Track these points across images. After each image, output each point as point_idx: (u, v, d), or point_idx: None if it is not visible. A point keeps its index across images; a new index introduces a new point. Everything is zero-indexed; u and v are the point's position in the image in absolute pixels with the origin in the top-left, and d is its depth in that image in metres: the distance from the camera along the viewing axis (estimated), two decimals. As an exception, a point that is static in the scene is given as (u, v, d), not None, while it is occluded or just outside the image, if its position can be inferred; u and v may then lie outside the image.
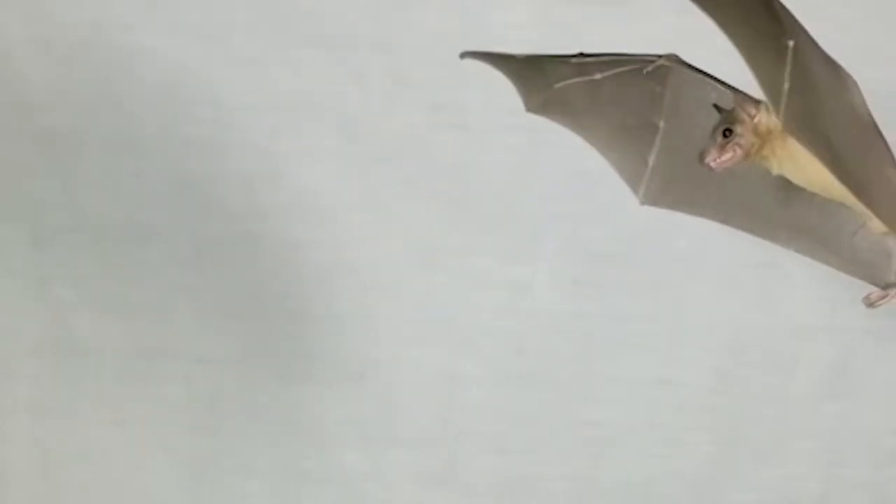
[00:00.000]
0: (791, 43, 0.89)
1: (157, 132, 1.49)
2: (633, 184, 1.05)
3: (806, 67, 0.90)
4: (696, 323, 1.49)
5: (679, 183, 1.04)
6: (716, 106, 0.98)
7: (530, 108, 1.05)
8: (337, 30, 1.47)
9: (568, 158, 1.48)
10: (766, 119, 0.95)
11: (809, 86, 0.90)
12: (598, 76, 1.02)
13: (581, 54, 1.02)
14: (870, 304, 0.99)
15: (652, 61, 1.01)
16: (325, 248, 1.50)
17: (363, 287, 1.50)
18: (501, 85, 1.49)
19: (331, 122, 1.48)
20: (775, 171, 0.97)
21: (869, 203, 0.94)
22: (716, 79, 1.02)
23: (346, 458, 1.52)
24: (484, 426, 1.51)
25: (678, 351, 1.49)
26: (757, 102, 0.96)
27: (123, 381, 1.51)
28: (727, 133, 0.96)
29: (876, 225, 0.98)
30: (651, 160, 1.04)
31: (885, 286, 0.98)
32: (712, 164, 0.96)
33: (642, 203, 1.05)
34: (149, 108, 1.48)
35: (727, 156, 0.96)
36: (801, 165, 0.95)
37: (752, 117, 0.95)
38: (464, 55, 1.05)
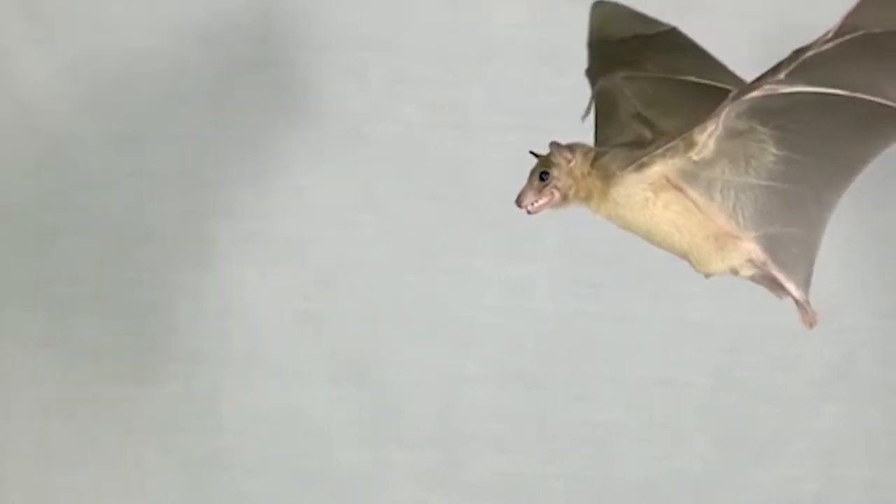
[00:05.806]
0: None
1: (157, 132, 1.49)
2: None
3: None
4: (696, 323, 1.49)
5: None
6: (532, 152, 0.98)
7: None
8: (337, 29, 1.47)
9: (568, 158, 1.48)
10: (582, 163, 0.96)
11: None
12: None
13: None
14: (809, 325, 1.00)
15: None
16: (325, 248, 1.50)
17: (363, 287, 1.50)
18: (501, 85, 1.50)
19: (331, 122, 1.48)
20: (594, 212, 0.97)
21: None
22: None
23: (346, 458, 1.52)
24: (484, 426, 1.51)
25: (678, 351, 1.49)
26: (572, 149, 0.96)
27: (123, 381, 1.51)
28: (544, 176, 0.97)
29: (700, 267, 0.99)
30: None
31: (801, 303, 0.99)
32: (529, 208, 0.98)
33: None
34: (149, 108, 1.48)
35: (544, 199, 0.97)
36: (622, 213, 0.96)
37: (569, 161, 0.96)
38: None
